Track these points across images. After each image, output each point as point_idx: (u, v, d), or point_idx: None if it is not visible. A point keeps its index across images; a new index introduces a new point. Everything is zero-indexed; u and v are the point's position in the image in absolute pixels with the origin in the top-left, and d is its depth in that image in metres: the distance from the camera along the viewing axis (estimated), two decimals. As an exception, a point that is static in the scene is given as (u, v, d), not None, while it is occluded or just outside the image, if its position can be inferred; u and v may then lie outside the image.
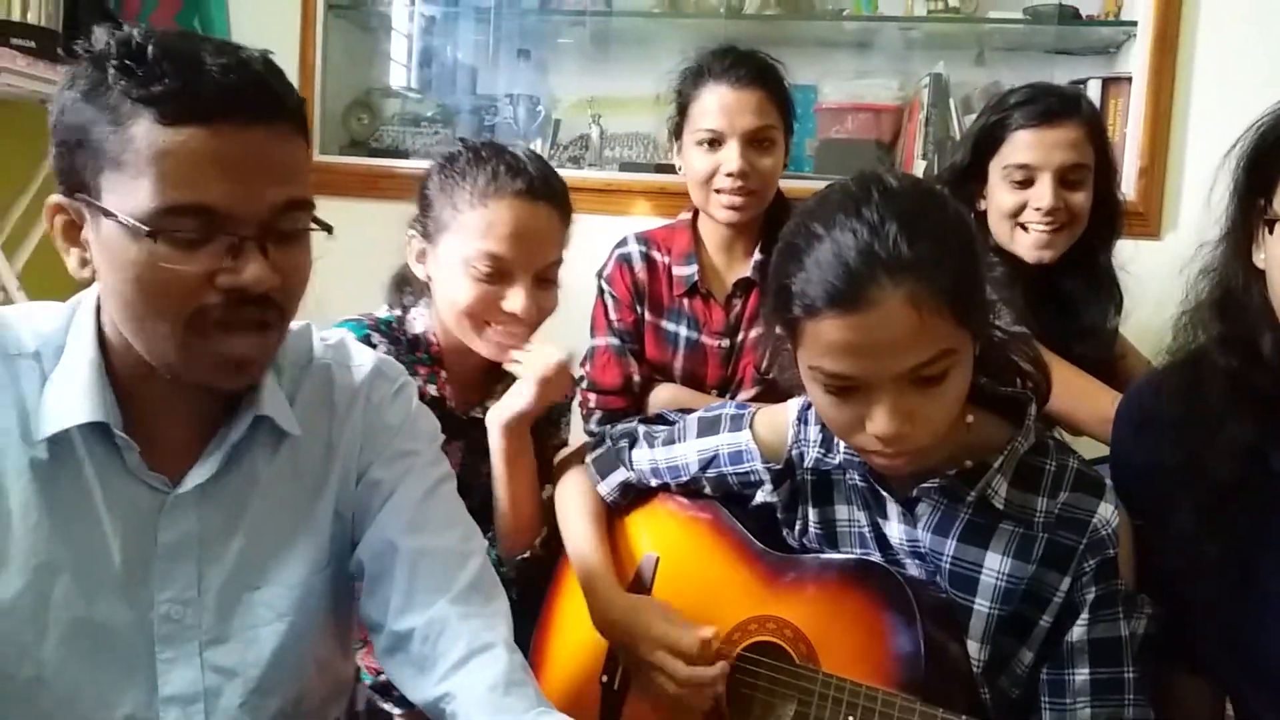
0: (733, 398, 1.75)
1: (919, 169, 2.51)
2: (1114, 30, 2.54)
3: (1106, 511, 1.07)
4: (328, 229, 0.92)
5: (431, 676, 0.94)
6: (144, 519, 0.91)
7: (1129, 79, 2.43)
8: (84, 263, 0.88)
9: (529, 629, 1.34)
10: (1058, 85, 1.77)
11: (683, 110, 1.76)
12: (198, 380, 0.88)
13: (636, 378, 1.78)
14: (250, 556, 0.96)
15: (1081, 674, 1.06)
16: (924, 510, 1.12)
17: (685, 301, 1.78)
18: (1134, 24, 2.42)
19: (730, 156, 1.67)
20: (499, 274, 1.36)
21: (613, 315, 1.78)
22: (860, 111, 2.57)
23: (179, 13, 2.60)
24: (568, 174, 2.65)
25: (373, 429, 1.04)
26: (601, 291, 1.80)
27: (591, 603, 1.26)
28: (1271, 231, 1.01)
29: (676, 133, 1.79)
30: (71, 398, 0.88)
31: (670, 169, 2.57)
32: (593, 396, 1.78)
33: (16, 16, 2.00)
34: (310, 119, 2.42)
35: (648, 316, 1.78)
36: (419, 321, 1.46)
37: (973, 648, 1.09)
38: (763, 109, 1.69)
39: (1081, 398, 1.57)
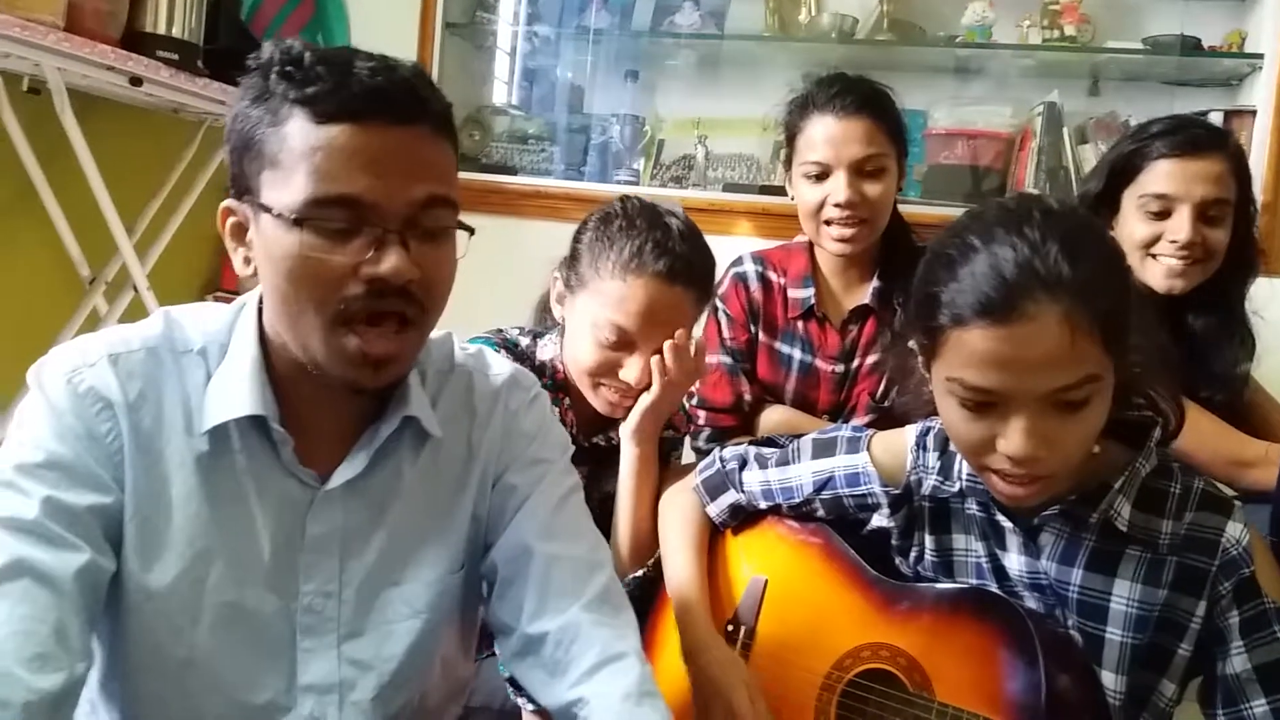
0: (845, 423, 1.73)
1: (1029, 198, 2.47)
2: (1237, 62, 2.47)
3: (1235, 530, 1.04)
4: (469, 230, 0.95)
5: (564, 681, 0.96)
6: (294, 512, 0.95)
7: (1253, 112, 2.37)
8: (247, 261, 0.93)
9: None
10: (1202, 119, 1.70)
11: (790, 141, 1.75)
12: (340, 377, 0.91)
13: (747, 397, 1.77)
14: (390, 553, 0.99)
15: (1259, 705, 1.01)
16: (1047, 540, 1.10)
17: (800, 324, 1.77)
18: (1260, 56, 2.37)
19: (838, 187, 1.65)
20: (622, 344, 1.38)
21: (726, 334, 1.78)
22: (970, 138, 2.54)
23: (303, 29, 2.70)
24: (670, 193, 2.73)
25: (510, 435, 1.07)
26: (715, 309, 1.79)
27: (684, 638, 1.26)
28: None
29: (787, 163, 1.78)
30: (233, 393, 0.92)
31: (774, 190, 2.62)
32: (702, 414, 1.78)
33: (162, 30, 2.10)
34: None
35: (761, 337, 1.78)
36: (548, 349, 1.50)
37: (1109, 679, 1.06)
38: (870, 137, 1.66)
39: (1206, 439, 1.52)
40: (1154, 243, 1.59)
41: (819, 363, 1.76)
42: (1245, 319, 1.68)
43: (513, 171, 2.81)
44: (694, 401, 1.80)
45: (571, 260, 1.45)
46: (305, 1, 2.67)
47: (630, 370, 1.38)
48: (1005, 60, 2.63)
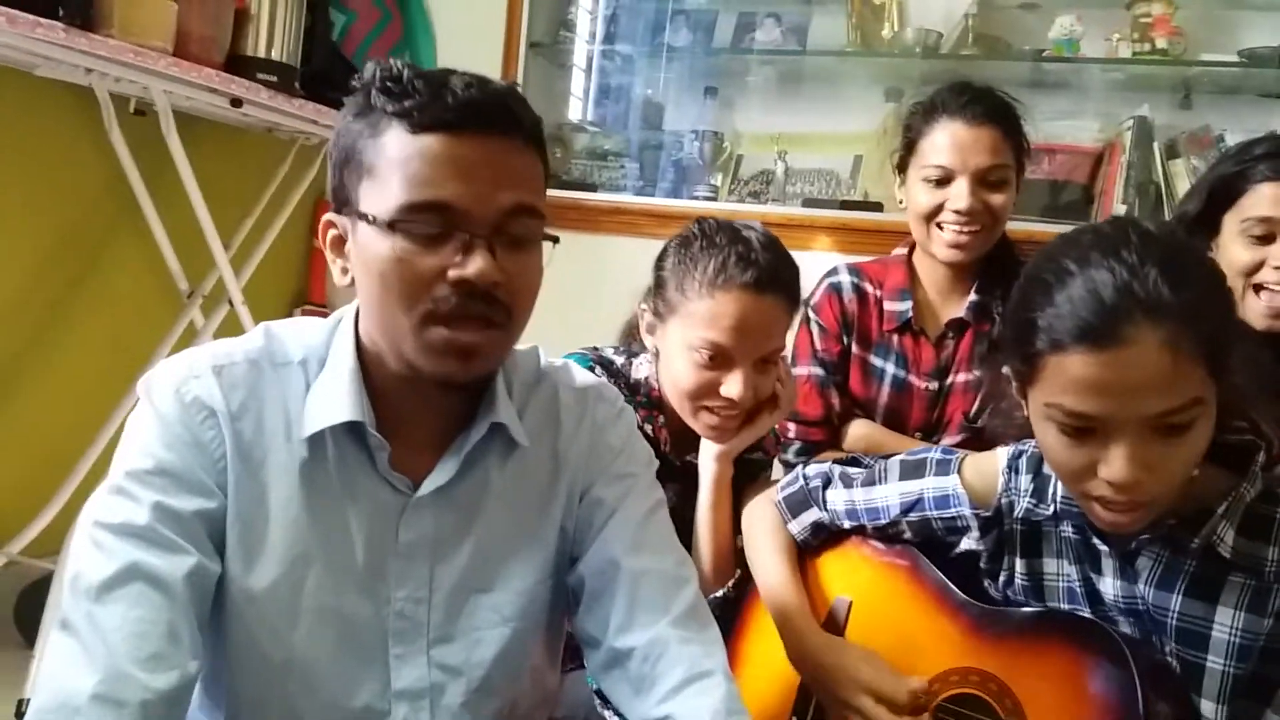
0: (936, 442, 1.71)
1: (1119, 212, 2.42)
2: (1338, 74, 2.40)
3: None
4: (554, 239, 0.98)
5: (651, 697, 0.96)
6: (387, 518, 0.98)
7: (1355, 125, 2.29)
8: (345, 271, 0.97)
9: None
10: None
11: (910, 145, 1.73)
12: (432, 370, 0.94)
13: (837, 410, 1.77)
14: (479, 561, 1.01)
15: None
16: (1145, 564, 1.08)
17: (895, 338, 1.76)
18: (1362, 67, 2.29)
19: (960, 194, 1.64)
20: (720, 360, 1.38)
21: (818, 344, 1.77)
22: (1058, 152, 2.50)
23: (391, 49, 2.77)
24: (749, 209, 2.74)
25: (597, 448, 1.09)
26: (807, 320, 1.79)
27: (787, 638, 1.26)
28: None
29: (901, 167, 1.77)
30: (332, 401, 0.96)
31: (854, 205, 2.61)
32: (792, 426, 1.77)
33: (262, 54, 2.18)
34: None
35: (855, 349, 1.77)
36: (643, 368, 1.51)
37: (1208, 708, 1.04)
38: (996, 148, 1.65)
39: None
40: (1257, 269, 1.52)
41: (912, 378, 1.75)
42: None
43: (592, 188, 2.84)
44: None
45: (657, 289, 1.47)
46: (393, 23, 2.74)
47: (732, 386, 1.38)
48: (1093, 74, 2.59)
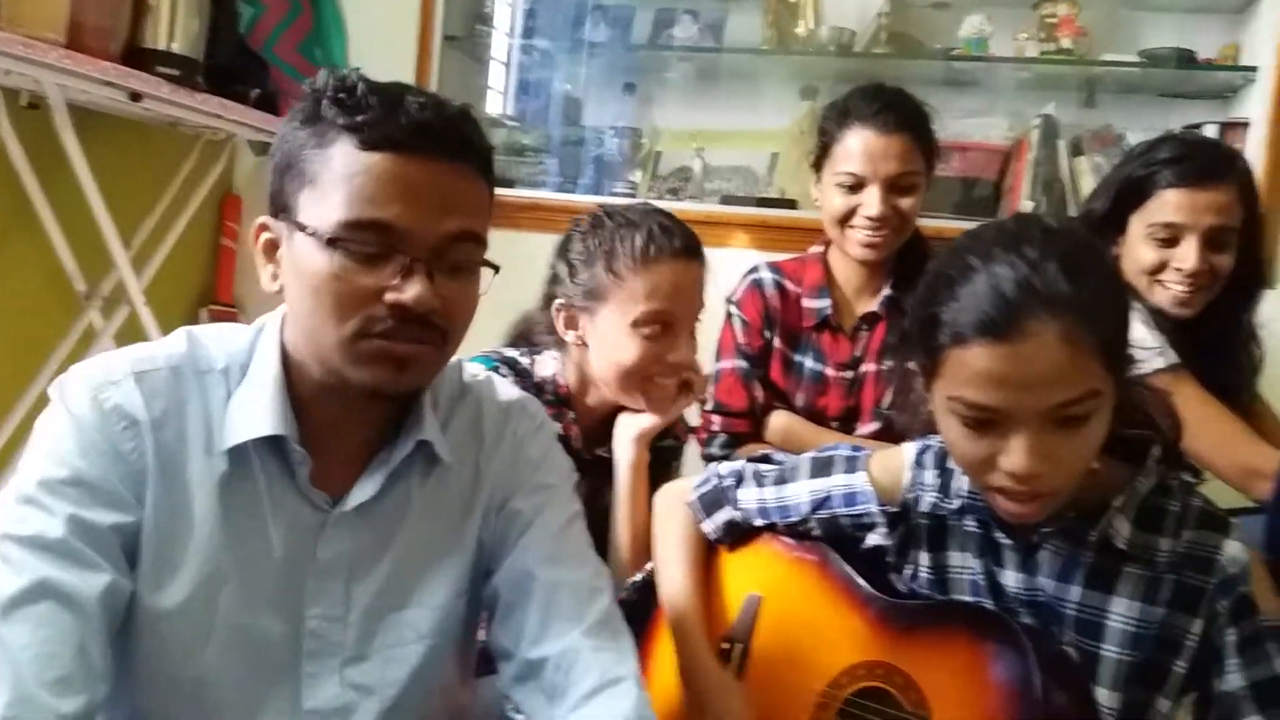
0: (852, 431, 1.76)
1: (1025, 208, 2.48)
2: (1231, 75, 2.48)
3: (1233, 549, 1.05)
4: (494, 268, 0.97)
5: (563, 705, 0.96)
6: (305, 535, 0.96)
7: (1246, 124, 2.37)
8: (275, 277, 0.95)
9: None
10: (1212, 141, 1.70)
11: (825, 148, 1.77)
12: (362, 380, 0.92)
13: (760, 403, 1.80)
14: (396, 578, 1.00)
15: None
16: (1045, 557, 1.11)
17: (814, 334, 1.81)
18: (1254, 69, 2.38)
19: (871, 200, 1.69)
20: (665, 330, 1.43)
21: (741, 339, 1.81)
22: (969, 150, 2.55)
23: (301, 43, 2.70)
24: (667, 205, 2.72)
25: (517, 461, 1.08)
26: (730, 316, 1.84)
27: (681, 655, 1.27)
28: None
29: (817, 166, 1.81)
30: (254, 412, 0.93)
31: (772, 202, 2.63)
32: (717, 419, 1.81)
33: (163, 46, 2.10)
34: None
35: (777, 344, 1.82)
36: (549, 365, 1.52)
37: (1104, 695, 1.07)
38: (907, 155, 1.70)
39: (1222, 444, 1.52)
40: (1160, 269, 1.59)
41: (829, 371, 1.80)
42: (1254, 335, 1.69)
43: (509, 184, 2.81)
44: (708, 406, 1.83)
45: (571, 281, 1.47)
46: (304, 15, 2.67)
47: (683, 351, 1.44)
48: (1002, 73, 2.64)
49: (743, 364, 1.80)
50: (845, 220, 1.73)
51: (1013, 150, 2.55)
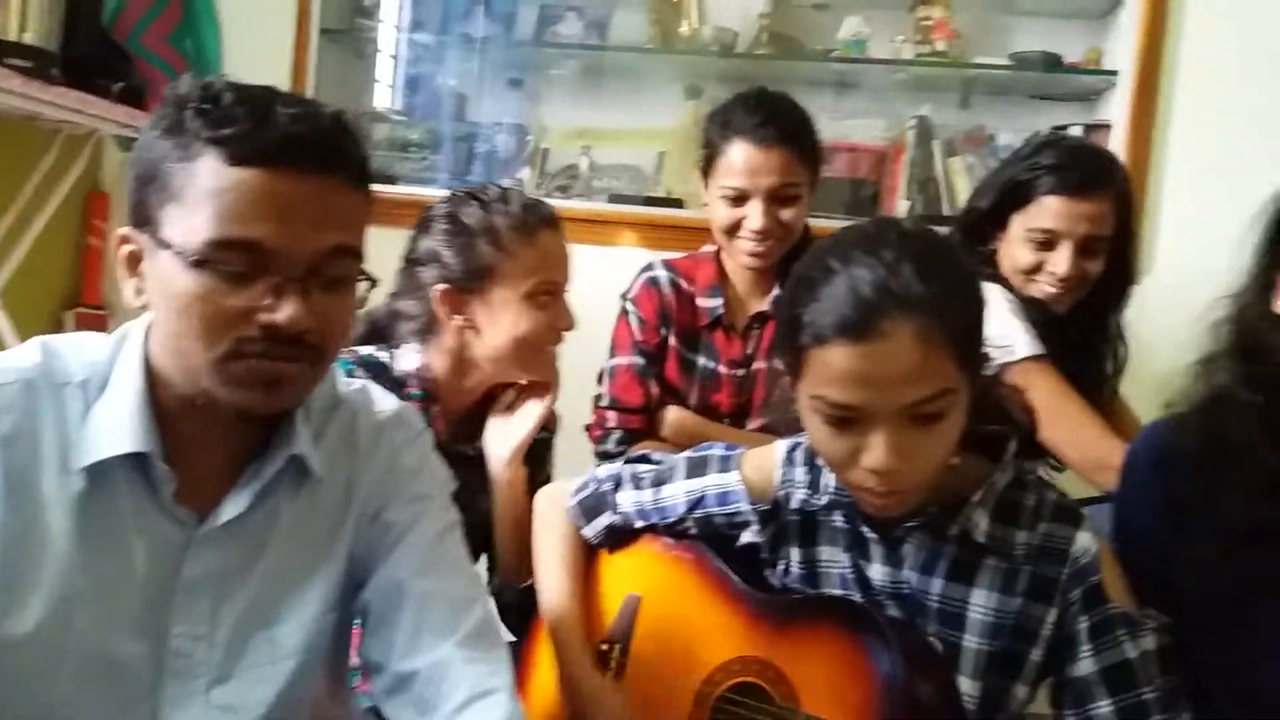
0: (743, 426, 1.79)
1: (902, 209, 2.55)
2: (1095, 78, 2.58)
3: (1085, 540, 1.09)
4: (373, 281, 0.95)
5: (434, 719, 0.94)
6: (170, 553, 0.92)
7: (1108, 126, 2.48)
8: (139, 292, 0.91)
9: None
10: (1095, 149, 1.75)
11: (710, 159, 1.78)
12: (232, 401, 0.89)
13: (655, 400, 1.82)
14: (266, 594, 0.97)
15: (1104, 707, 1.06)
16: (909, 550, 1.14)
17: (708, 332, 1.82)
18: (1114, 73, 2.48)
19: (755, 214, 1.70)
20: (553, 298, 1.49)
21: (637, 335, 1.82)
22: (846, 151, 2.60)
23: (171, 34, 2.61)
24: (555, 203, 2.70)
25: (391, 471, 1.06)
26: (626, 312, 1.84)
27: (560, 660, 1.27)
28: None
29: (704, 171, 1.81)
30: (115, 427, 0.89)
31: (659, 201, 2.64)
32: (613, 415, 1.81)
33: (14, 37, 2.00)
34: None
35: (673, 342, 1.82)
36: (409, 359, 1.50)
37: (965, 684, 1.10)
38: (787, 168, 1.70)
39: (1075, 435, 1.58)
40: (1035, 270, 1.66)
41: (722, 369, 1.82)
42: (1120, 334, 1.77)
43: (392, 180, 2.76)
44: (604, 403, 1.83)
45: (448, 267, 1.46)
46: (172, 5, 2.57)
47: (568, 316, 1.51)
48: (879, 75, 2.69)
49: (639, 360, 1.81)
50: (731, 231, 1.74)
51: (890, 151, 2.61)
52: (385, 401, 1.11)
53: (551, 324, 1.49)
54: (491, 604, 1.06)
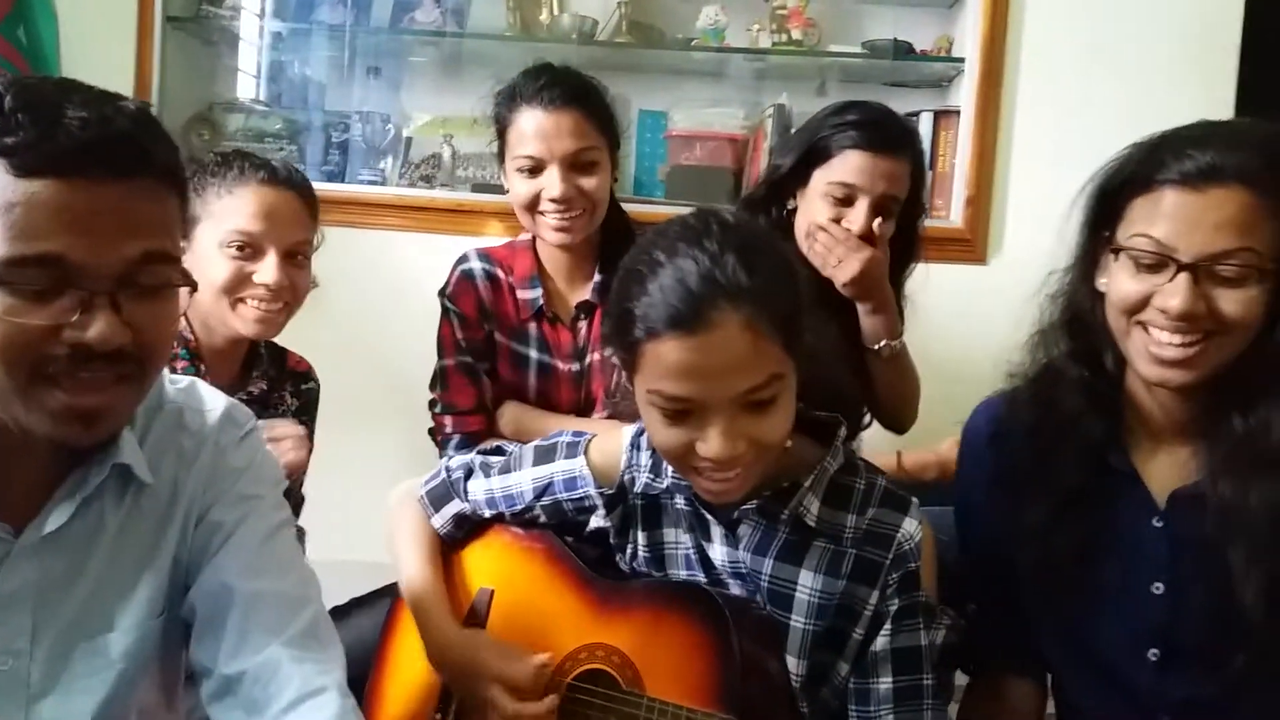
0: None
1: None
2: (945, 65, 2.67)
3: (910, 526, 1.14)
4: (192, 285, 0.91)
5: (262, 719, 0.92)
6: None
7: (958, 112, 2.56)
8: None
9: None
10: (895, 114, 1.77)
11: (501, 135, 1.74)
12: (48, 434, 0.85)
13: (489, 396, 1.76)
14: (89, 605, 0.94)
15: (885, 682, 1.12)
16: (745, 531, 1.16)
17: (533, 325, 1.76)
18: (962, 60, 2.56)
19: (552, 182, 1.65)
20: (251, 250, 1.52)
21: (460, 334, 1.75)
22: (709, 140, 2.62)
23: (1, 24, 2.46)
24: (419, 194, 2.68)
25: (218, 472, 1.03)
26: (446, 310, 1.76)
27: (426, 638, 1.25)
28: (1117, 258, 1.14)
29: (500, 157, 1.77)
30: None
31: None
32: (449, 420, 1.76)
33: None
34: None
35: (498, 337, 1.76)
36: None
37: (791, 663, 1.13)
38: (581, 131, 1.66)
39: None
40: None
41: (557, 362, 1.77)
42: (900, 306, 1.78)
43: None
44: (437, 409, 1.77)
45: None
46: (3, -8, 2.43)
47: (265, 272, 1.52)
48: (739, 63, 2.72)
49: (465, 359, 1.75)
50: (533, 207, 1.69)
51: (750, 139, 2.65)
52: (213, 400, 1.08)
53: (247, 276, 1.52)
54: (323, 603, 1.04)
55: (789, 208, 1.74)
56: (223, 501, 1.02)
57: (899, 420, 1.81)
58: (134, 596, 0.97)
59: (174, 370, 1.28)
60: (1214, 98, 2.41)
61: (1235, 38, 2.45)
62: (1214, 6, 2.46)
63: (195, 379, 1.10)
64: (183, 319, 1.47)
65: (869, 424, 1.78)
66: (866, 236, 1.64)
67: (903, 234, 1.72)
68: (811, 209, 1.68)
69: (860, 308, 1.70)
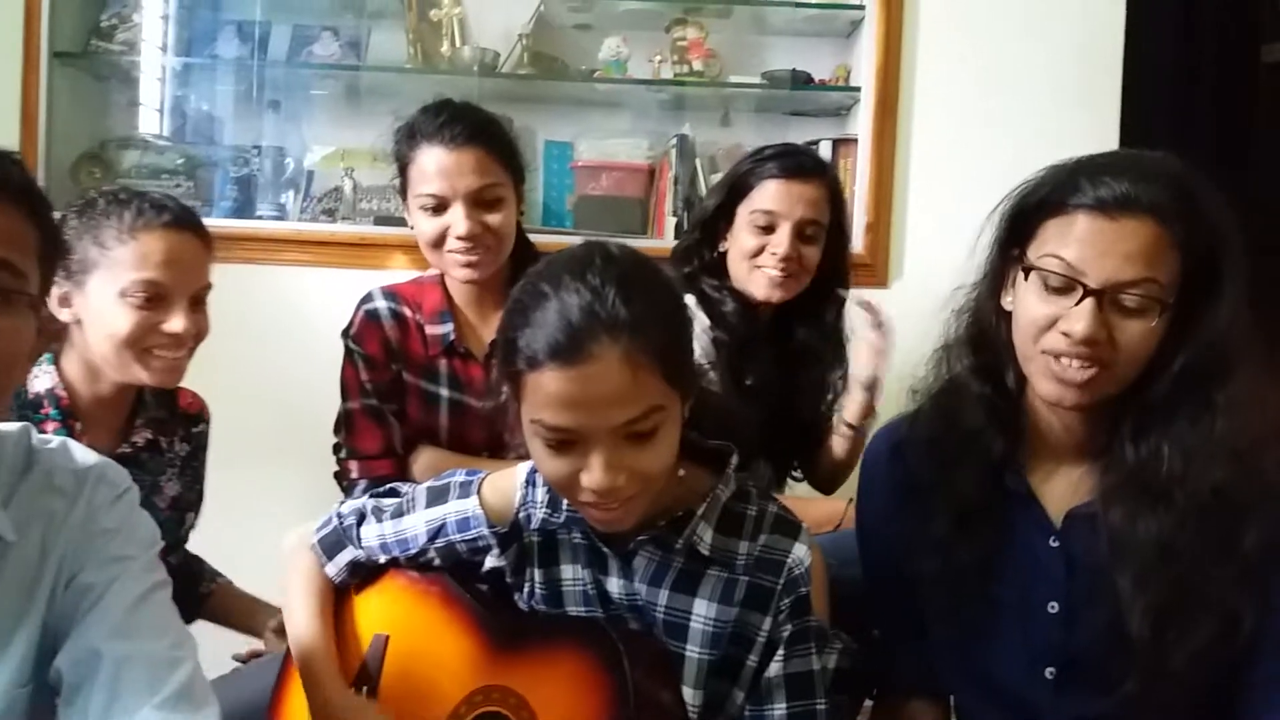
0: (504, 458, 1.68)
1: (670, 225, 2.61)
2: (843, 95, 2.72)
3: (800, 551, 1.14)
4: (43, 297, 0.90)
5: None
6: None
7: (856, 140, 2.61)
8: None
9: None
10: (811, 150, 1.94)
11: (403, 171, 1.71)
12: None
13: (398, 439, 1.70)
14: None
15: (779, 709, 1.12)
16: (640, 563, 1.16)
17: (443, 361, 1.71)
18: (858, 89, 2.62)
19: (457, 219, 1.62)
20: (157, 300, 1.44)
21: (365, 376, 1.69)
22: (615, 170, 2.64)
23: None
24: (321, 228, 2.64)
25: (89, 533, 0.99)
26: (350, 352, 1.70)
27: (311, 697, 1.22)
28: (1027, 278, 1.16)
29: (402, 193, 1.74)
30: None
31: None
32: (355, 465, 1.69)
33: None
34: (35, 173, 2.26)
35: (407, 377, 1.71)
36: (41, 380, 1.46)
37: (687, 694, 1.13)
38: (484, 167, 1.63)
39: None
40: (759, 253, 1.77)
41: (469, 400, 1.71)
42: (841, 337, 1.87)
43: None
44: (343, 454, 1.72)
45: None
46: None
47: (175, 322, 1.45)
48: (642, 94, 2.75)
49: (371, 402, 1.69)
50: (439, 244, 1.66)
51: (656, 169, 2.67)
52: (85, 457, 1.04)
53: (154, 327, 1.44)
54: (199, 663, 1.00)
55: (720, 250, 1.85)
56: (93, 563, 0.99)
57: (833, 484, 1.92)
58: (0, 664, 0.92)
59: (43, 431, 1.23)
60: (1100, 118, 2.52)
61: (1118, 59, 2.55)
62: (1095, 31, 2.56)
63: (67, 439, 1.06)
64: (54, 375, 1.45)
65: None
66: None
67: (829, 260, 1.82)
68: (740, 241, 1.80)
69: (864, 395, 1.80)
